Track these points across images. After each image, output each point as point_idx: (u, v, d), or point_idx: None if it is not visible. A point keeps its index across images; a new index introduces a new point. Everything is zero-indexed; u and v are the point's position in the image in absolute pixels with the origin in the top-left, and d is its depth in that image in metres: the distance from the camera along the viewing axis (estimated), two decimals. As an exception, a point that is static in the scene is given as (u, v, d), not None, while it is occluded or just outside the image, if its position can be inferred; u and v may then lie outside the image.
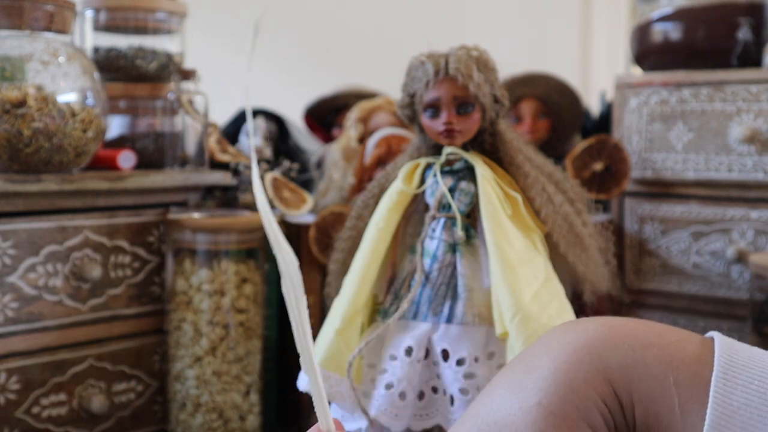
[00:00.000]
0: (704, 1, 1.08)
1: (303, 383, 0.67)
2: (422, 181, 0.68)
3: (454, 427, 0.34)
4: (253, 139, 1.26)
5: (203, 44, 1.33)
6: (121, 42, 1.02)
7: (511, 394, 0.33)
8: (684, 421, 0.31)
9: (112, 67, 1.01)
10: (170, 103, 1.03)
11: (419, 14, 2.15)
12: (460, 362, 0.63)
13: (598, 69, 2.54)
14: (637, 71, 1.23)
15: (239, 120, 1.30)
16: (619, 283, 0.72)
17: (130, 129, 1.03)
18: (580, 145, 1.07)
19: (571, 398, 0.32)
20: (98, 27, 1.03)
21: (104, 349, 0.90)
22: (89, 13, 1.02)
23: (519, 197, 0.65)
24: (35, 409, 0.85)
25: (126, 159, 0.95)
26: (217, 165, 1.07)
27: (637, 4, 1.21)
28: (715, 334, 0.33)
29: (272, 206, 1.02)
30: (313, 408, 0.36)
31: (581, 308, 0.68)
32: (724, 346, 0.32)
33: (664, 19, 1.10)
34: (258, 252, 0.93)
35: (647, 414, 0.32)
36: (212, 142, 1.08)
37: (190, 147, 1.04)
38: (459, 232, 0.65)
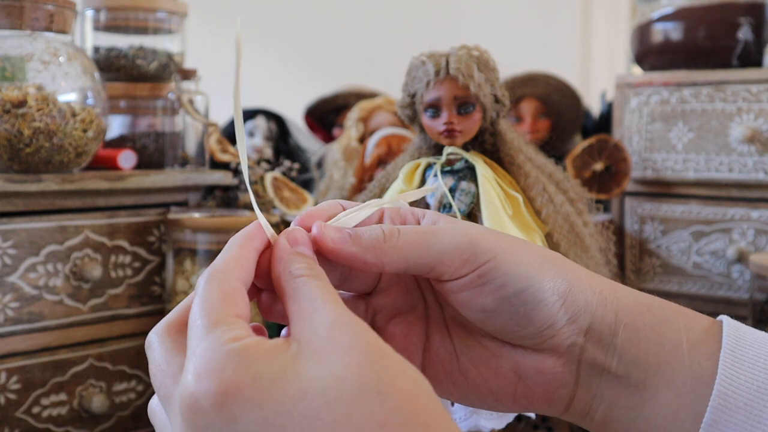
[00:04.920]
0: (705, 0, 1.08)
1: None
2: (423, 181, 0.68)
3: None
4: (256, 140, 1.26)
5: (203, 44, 1.34)
6: (122, 42, 1.02)
7: None
8: (690, 358, 0.32)
9: (112, 67, 1.01)
10: (170, 102, 1.03)
11: (419, 14, 2.15)
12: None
13: (598, 69, 2.54)
14: (637, 71, 1.23)
15: (239, 120, 1.30)
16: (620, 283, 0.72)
17: (131, 129, 1.03)
18: (580, 144, 1.07)
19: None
20: (98, 27, 1.02)
21: (105, 349, 0.90)
22: (89, 13, 1.02)
23: (520, 197, 0.65)
24: (35, 409, 0.85)
25: (126, 159, 0.95)
26: (217, 165, 1.07)
27: (637, 4, 1.21)
28: (723, 317, 0.34)
29: (273, 206, 1.02)
30: None
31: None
32: (732, 325, 0.33)
33: (665, 18, 1.10)
34: (258, 252, 0.93)
35: (647, 348, 0.33)
36: (212, 142, 1.08)
37: (191, 147, 1.04)
38: (460, 232, 0.65)
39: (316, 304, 0.29)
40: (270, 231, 0.34)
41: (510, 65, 0.71)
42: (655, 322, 0.34)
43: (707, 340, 0.33)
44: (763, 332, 0.33)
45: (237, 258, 0.31)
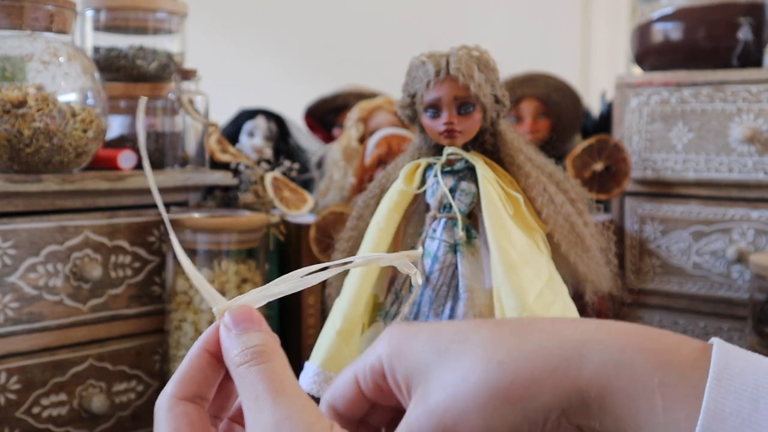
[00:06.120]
0: (705, 1, 1.08)
1: (305, 383, 0.66)
2: (423, 181, 0.68)
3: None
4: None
5: (203, 44, 1.34)
6: (122, 42, 1.02)
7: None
8: (666, 420, 0.31)
9: (112, 67, 1.01)
10: (171, 103, 1.03)
11: (419, 14, 2.15)
12: (461, 362, 0.62)
13: (598, 69, 2.54)
14: (637, 71, 1.23)
15: (239, 120, 1.30)
16: (620, 283, 0.72)
17: (131, 129, 1.03)
18: (580, 145, 1.07)
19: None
20: (98, 27, 1.02)
21: (104, 349, 0.90)
22: (89, 13, 1.02)
23: (520, 197, 0.65)
24: (35, 409, 0.85)
25: (126, 159, 0.95)
26: (217, 165, 1.07)
27: (637, 4, 1.21)
28: (715, 340, 0.33)
29: (273, 206, 1.02)
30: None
31: (582, 308, 0.68)
32: (721, 352, 0.32)
33: (665, 18, 1.11)
34: (258, 252, 0.93)
35: (622, 413, 0.32)
36: (212, 142, 1.08)
37: (191, 147, 1.04)
38: (460, 233, 0.65)
39: (260, 402, 0.30)
40: (213, 300, 0.35)
41: (510, 65, 0.71)
42: (628, 384, 0.32)
43: (685, 394, 0.31)
44: (751, 363, 0.31)
45: (183, 375, 0.34)
